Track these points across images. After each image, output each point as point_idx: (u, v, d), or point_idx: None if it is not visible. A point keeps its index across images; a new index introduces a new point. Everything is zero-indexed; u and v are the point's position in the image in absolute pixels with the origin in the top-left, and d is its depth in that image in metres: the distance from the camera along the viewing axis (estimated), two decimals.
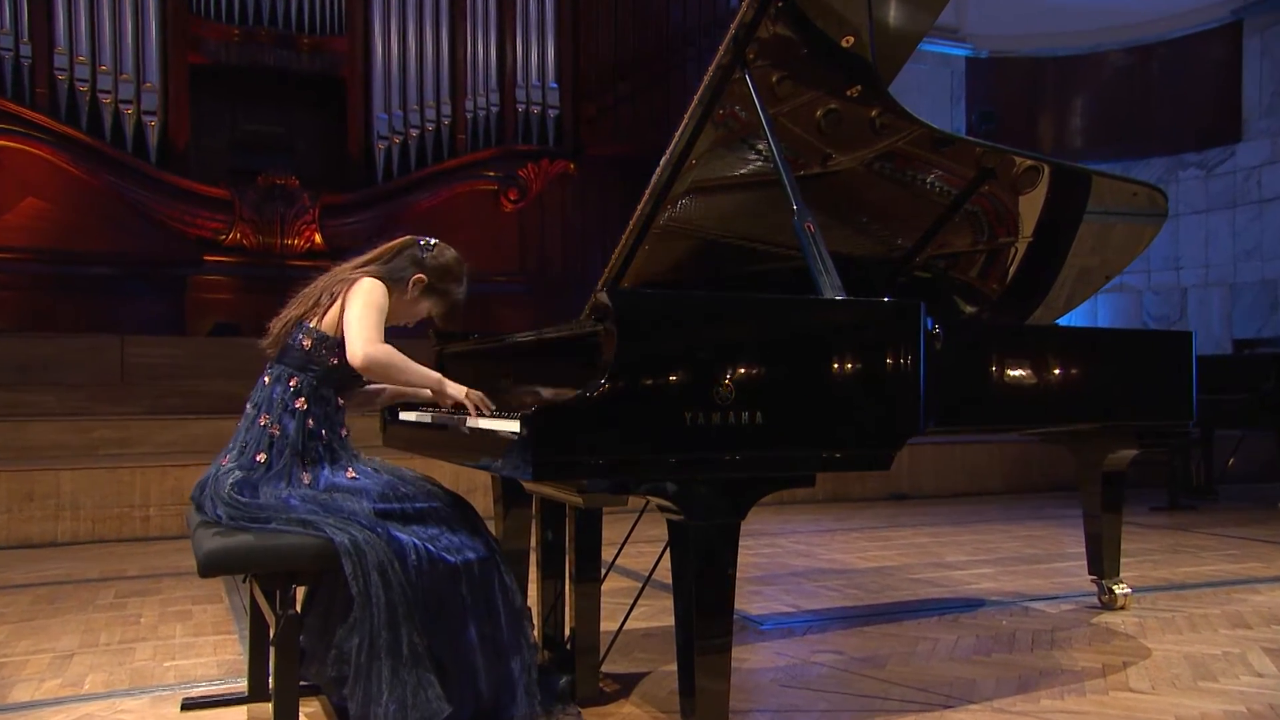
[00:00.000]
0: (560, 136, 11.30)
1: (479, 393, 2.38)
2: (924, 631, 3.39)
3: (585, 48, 11.44)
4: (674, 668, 2.13)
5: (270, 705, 2.14)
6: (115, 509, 5.50)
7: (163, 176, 9.71)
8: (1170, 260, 11.05)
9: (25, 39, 9.41)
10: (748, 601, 3.85)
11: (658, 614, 3.50)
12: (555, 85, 11.25)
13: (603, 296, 1.93)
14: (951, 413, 2.63)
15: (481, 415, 2.42)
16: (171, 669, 2.96)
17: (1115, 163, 11.27)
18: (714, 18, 10.67)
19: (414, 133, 10.69)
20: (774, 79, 2.65)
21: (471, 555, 2.22)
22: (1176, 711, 2.54)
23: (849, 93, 2.70)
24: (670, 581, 2.10)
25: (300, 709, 2.09)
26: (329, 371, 2.35)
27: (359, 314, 2.28)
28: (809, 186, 2.89)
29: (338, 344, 2.34)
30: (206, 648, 3.21)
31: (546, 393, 2.53)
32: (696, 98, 2.57)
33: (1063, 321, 3.83)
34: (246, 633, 2.70)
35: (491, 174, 10.96)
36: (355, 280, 2.37)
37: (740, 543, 2.10)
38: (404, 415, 3.00)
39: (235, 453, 2.30)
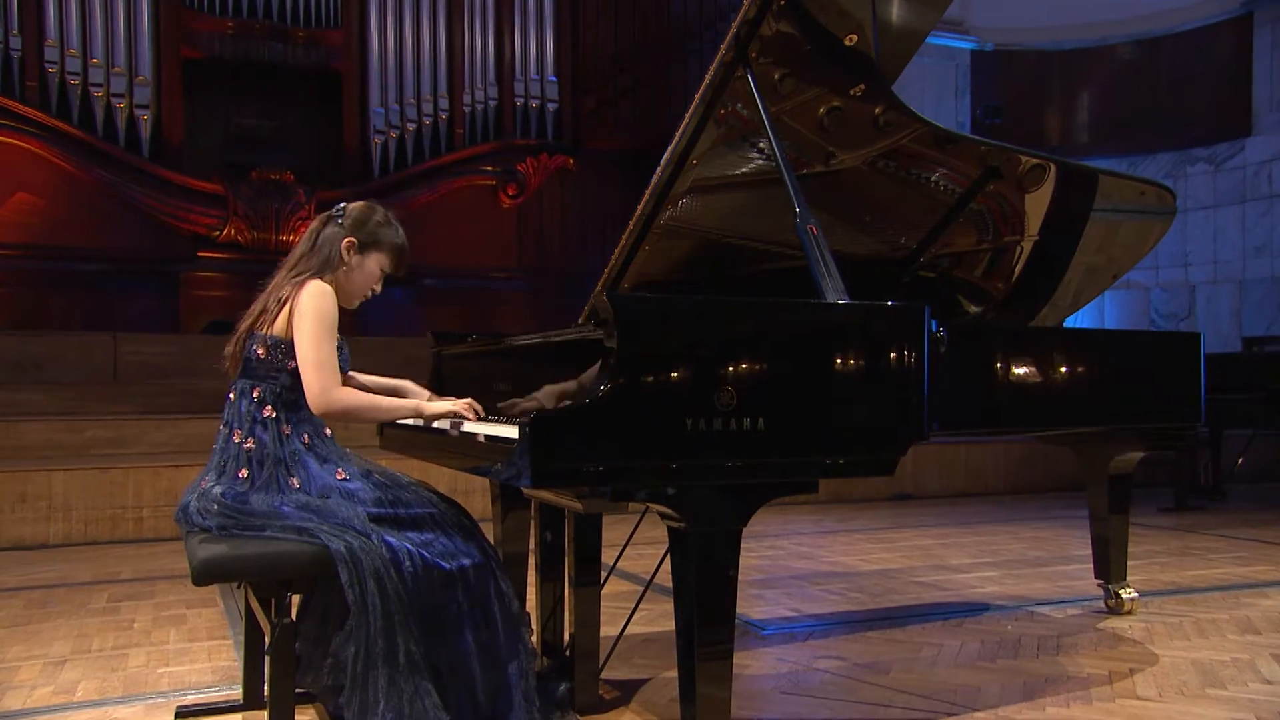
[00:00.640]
0: (559, 131, 11.29)
1: (467, 401, 2.37)
2: (928, 637, 3.39)
3: (584, 40, 11.43)
4: (675, 674, 2.13)
5: (265, 714, 2.14)
6: (108, 510, 5.50)
7: (156, 171, 9.70)
8: (1178, 257, 11.05)
9: (15, 31, 9.40)
10: (749, 605, 3.85)
11: (658, 618, 3.51)
12: (554, 78, 11.24)
13: (603, 300, 1.92)
14: (956, 416, 2.63)
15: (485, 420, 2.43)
16: (165, 676, 2.96)
17: (1122, 157, 11.27)
18: (716, 9, 10.68)
19: (411, 127, 10.68)
20: (776, 76, 2.64)
21: (466, 561, 2.22)
22: None
23: (852, 91, 2.70)
24: (671, 585, 2.10)
25: (296, 717, 2.09)
26: (291, 375, 2.32)
27: (311, 350, 2.24)
28: (812, 185, 2.89)
29: (293, 347, 2.31)
30: (201, 654, 3.21)
31: (546, 396, 2.52)
32: (698, 96, 2.56)
33: (1070, 321, 3.83)
34: (241, 638, 2.70)
35: (489, 169, 10.96)
36: (301, 285, 2.33)
37: (741, 545, 2.10)
38: (414, 418, 3.00)
39: (214, 473, 2.29)
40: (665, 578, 2.09)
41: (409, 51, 10.76)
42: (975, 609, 3.81)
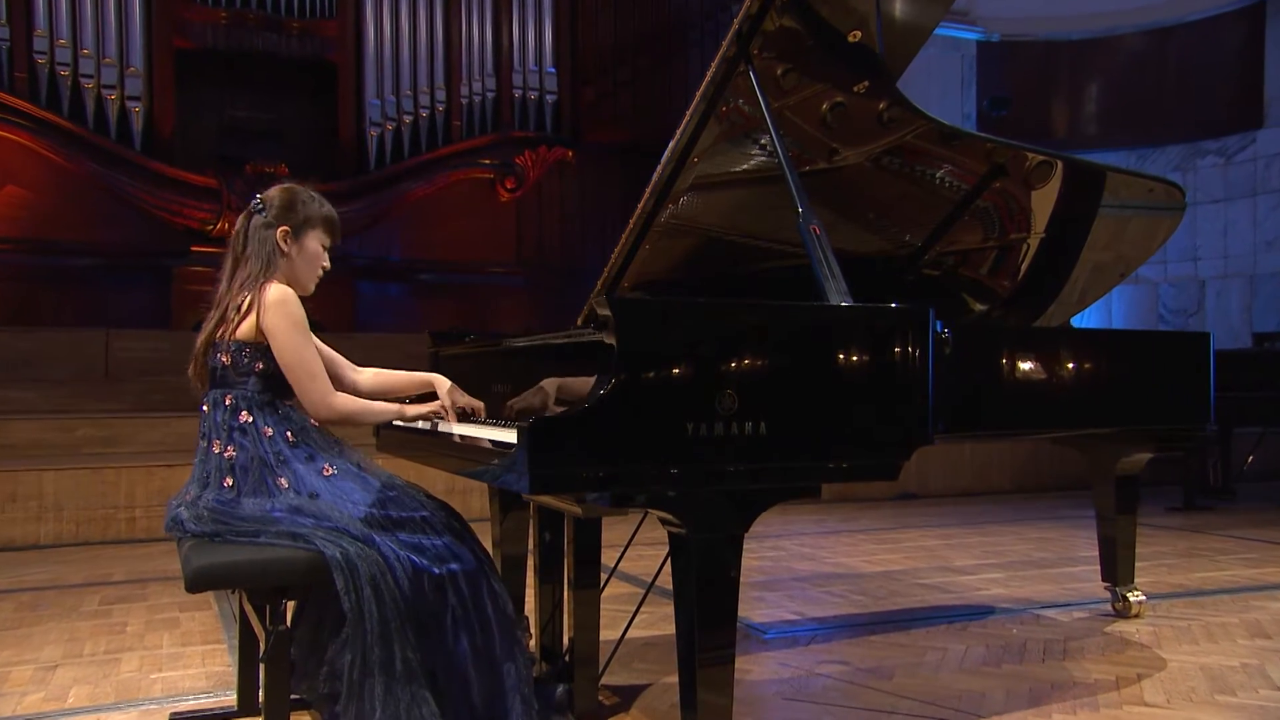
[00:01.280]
0: (558, 123, 11.28)
1: (463, 399, 2.38)
2: (932, 641, 3.39)
3: (584, 31, 11.42)
4: (676, 679, 2.14)
5: None
6: (100, 510, 5.51)
7: (148, 164, 9.69)
8: (1188, 251, 11.05)
9: (3, 21, 9.38)
10: (751, 608, 3.86)
11: (659, 621, 3.51)
12: (553, 70, 11.22)
13: (601, 305, 1.92)
14: (961, 419, 2.63)
15: (471, 422, 2.43)
16: (159, 681, 2.97)
17: (1131, 150, 11.27)
18: (717, 0, 10.65)
19: (407, 119, 10.67)
20: (779, 71, 2.64)
21: (456, 566, 2.22)
22: None
23: (856, 88, 2.69)
24: (672, 589, 2.11)
25: None
26: (260, 377, 2.31)
27: (299, 363, 2.27)
28: (815, 182, 2.89)
29: (258, 348, 2.30)
30: (195, 658, 3.22)
31: (549, 385, 2.53)
32: (700, 92, 2.56)
33: (1077, 318, 3.83)
34: (235, 642, 2.70)
35: (487, 162, 10.95)
36: (261, 290, 2.30)
37: (743, 546, 2.10)
38: (397, 420, 3.00)
39: (197, 485, 2.29)
40: (666, 580, 2.10)
41: (405, 42, 10.74)
42: (980, 612, 3.82)
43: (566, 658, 2.72)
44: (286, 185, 2.49)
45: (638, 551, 3.37)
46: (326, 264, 2.51)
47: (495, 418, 2.57)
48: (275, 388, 2.34)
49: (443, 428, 2.36)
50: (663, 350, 1.96)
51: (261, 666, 2.09)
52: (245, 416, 2.29)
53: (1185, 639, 3.40)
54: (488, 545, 2.45)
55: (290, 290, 2.34)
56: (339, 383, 2.52)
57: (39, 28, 9.46)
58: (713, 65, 2.52)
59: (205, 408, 2.35)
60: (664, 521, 2.07)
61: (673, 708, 2.64)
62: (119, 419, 6.74)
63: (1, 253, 9.26)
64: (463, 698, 2.19)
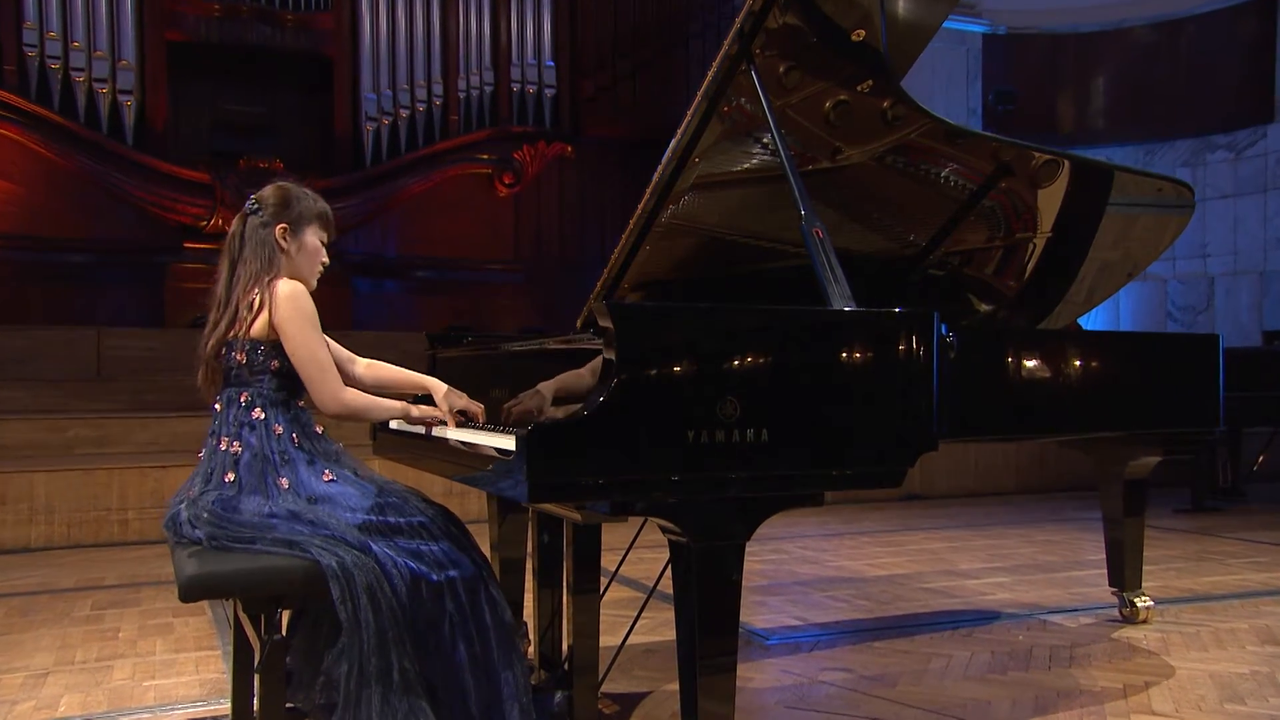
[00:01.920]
0: (557, 117, 11.27)
1: (461, 401, 2.41)
2: (937, 647, 3.40)
3: (583, 23, 11.41)
4: (677, 687, 2.14)
5: None
6: (92, 512, 5.51)
7: (140, 159, 9.68)
8: (1197, 247, 11.03)
9: None
10: (753, 613, 3.86)
11: (660, 627, 3.52)
12: (552, 63, 11.22)
13: (600, 311, 1.92)
14: (966, 424, 2.63)
15: (467, 426, 2.44)
16: (151, 689, 2.97)
17: (1139, 145, 11.26)
18: None
19: (404, 113, 10.67)
20: (782, 69, 2.64)
21: (455, 573, 2.22)
22: None
23: (860, 87, 2.70)
24: (673, 595, 2.11)
25: None
26: (275, 375, 2.33)
27: (309, 356, 2.28)
28: (818, 182, 2.89)
29: (273, 346, 2.32)
30: (188, 665, 3.22)
31: (547, 389, 2.53)
32: (701, 91, 2.56)
33: (1085, 317, 3.83)
34: (230, 648, 2.71)
35: (485, 157, 10.95)
36: (271, 286, 2.31)
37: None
38: (394, 423, 3.00)
39: (201, 481, 2.29)
40: (668, 584, 2.10)
41: (402, 35, 10.73)
42: (985, 617, 3.82)
43: (565, 665, 2.72)
44: (279, 184, 2.49)
45: (638, 555, 3.38)
46: (325, 259, 2.52)
47: (493, 422, 2.57)
48: (290, 386, 2.35)
49: (439, 432, 2.38)
50: (663, 356, 1.96)
51: (256, 676, 2.09)
52: (258, 413, 2.31)
53: (1194, 645, 3.40)
54: (485, 548, 2.46)
55: (301, 285, 2.35)
56: (341, 374, 2.53)
57: (28, 20, 9.45)
58: (714, 64, 2.52)
59: (218, 406, 2.36)
60: (664, 529, 2.08)
61: (674, 717, 2.64)
62: (111, 419, 6.73)
63: None
64: (460, 707, 2.19)
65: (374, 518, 2.21)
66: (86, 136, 9.53)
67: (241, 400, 2.32)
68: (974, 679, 3.05)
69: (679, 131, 2.60)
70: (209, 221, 9.83)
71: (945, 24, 3.09)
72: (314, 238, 2.46)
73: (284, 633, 2.16)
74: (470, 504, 5.70)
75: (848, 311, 2.23)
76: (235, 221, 2.45)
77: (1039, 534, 5.87)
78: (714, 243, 3.04)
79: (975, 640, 3.49)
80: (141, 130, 9.88)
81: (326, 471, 2.30)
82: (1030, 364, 2.79)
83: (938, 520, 6.45)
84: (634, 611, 2.91)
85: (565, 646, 2.74)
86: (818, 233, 2.37)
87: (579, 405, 1.98)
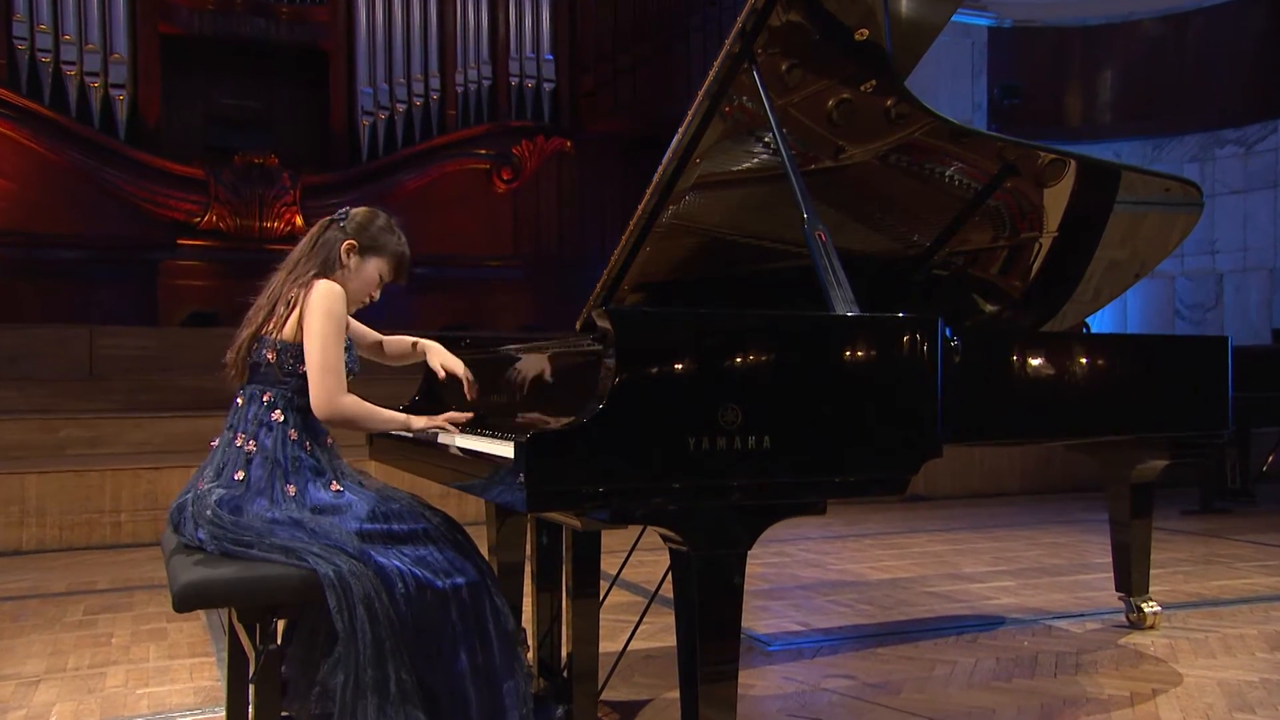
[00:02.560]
0: (556, 112, 11.28)
1: (454, 415, 2.44)
2: (941, 653, 3.40)
3: (583, 16, 11.40)
4: (678, 694, 2.14)
5: None
6: (84, 514, 5.51)
7: (132, 154, 9.70)
8: (1205, 244, 11.03)
9: None
10: (754, 618, 3.86)
11: (660, 632, 3.52)
12: (551, 57, 11.22)
13: (601, 316, 1.92)
14: (971, 428, 2.64)
15: (466, 433, 2.44)
16: (145, 697, 2.97)
17: (1147, 139, 11.25)
18: None
19: (401, 108, 10.67)
20: (784, 67, 2.64)
21: (460, 580, 2.22)
22: None
23: (863, 87, 2.69)
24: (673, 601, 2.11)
25: None
26: (301, 380, 2.35)
27: (319, 354, 2.28)
28: (821, 181, 2.89)
29: (303, 351, 2.34)
30: (182, 672, 3.22)
31: (541, 409, 2.52)
32: (703, 90, 2.56)
33: (1092, 316, 3.83)
34: (224, 655, 2.71)
35: (483, 152, 10.95)
36: (309, 285, 2.36)
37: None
38: (401, 430, 3.00)
39: (212, 473, 2.30)
40: (670, 588, 2.10)
41: (398, 28, 10.74)
42: (990, 623, 3.82)
43: (565, 673, 2.73)
44: (374, 208, 2.57)
45: (639, 558, 3.37)
46: (376, 295, 2.57)
47: (492, 428, 2.57)
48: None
49: (456, 441, 2.37)
50: (663, 362, 1.96)
51: (251, 687, 2.09)
52: (278, 415, 2.33)
53: (1202, 652, 3.40)
54: (483, 551, 2.46)
55: (339, 288, 2.37)
56: (364, 344, 2.71)
57: (18, 13, 9.46)
58: (716, 63, 2.52)
59: (239, 401, 2.38)
60: (665, 538, 2.08)
61: None
62: (104, 419, 6.74)
63: None
64: (462, 716, 2.19)
65: (378, 525, 2.21)
66: (78, 131, 9.54)
67: (264, 400, 2.35)
68: (979, 686, 3.05)
69: (680, 131, 2.60)
70: (203, 218, 9.85)
71: (951, 18, 3.09)
72: (376, 270, 2.52)
73: (279, 642, 2.16)
74: (468, 506, 5.70)
75: (850, 317, 2.23)
76: (319, 224, 2.52)
77: (1045, 536, 5.88)
78: (715, 243, 3.04)
79: (980, 646, 3.49)
80: (134, 125, 9.89)
81: (334, 482, 2.32)
82: (1035, 368, 2.79)
83: (942, 522, 6.45)
84: (634, 616, 2.91)
85: (565, 653, 2.74)
86: (820, 236, 2.37)
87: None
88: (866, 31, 2.58)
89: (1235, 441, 7.27)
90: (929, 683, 3.08)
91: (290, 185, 10.00)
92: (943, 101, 11.03)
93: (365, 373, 2.74)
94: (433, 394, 3.17)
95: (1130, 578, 3.67)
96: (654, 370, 1.95)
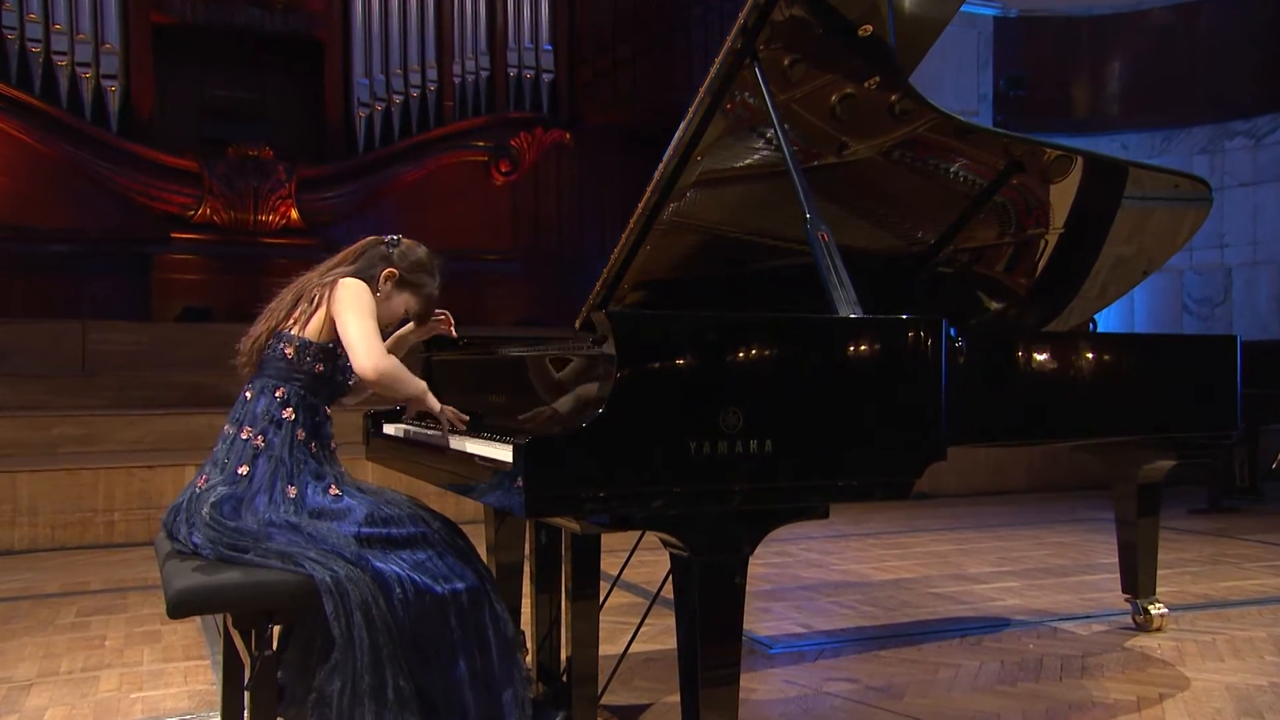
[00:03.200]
0: (555, 103, 11.25)
1: (452, 409, 2.46)
2: (945, 656, 3.41)
3: (582, 6, 11.38)
4: (678, 699, 2.15)
5: None
6: (77, 514, 5.52)
7: (125, 146, 9.67)
8: (1214, 237, 11.01)
9: None
10: (756, 620, 3.87)
11: (661, 634, 3.53)
12: (550, 47, 11.19)
13: (601, 318, 1.92)
14: (975, 430, 2.64)
15: (464, 436, 2.44)
16: (139, 701, 2.98)
17: (1155, 131, 11.23)
18: None
19: (397, 99, 10.65)
20: (786, 62, 2.64)
21: (460, 585, 2.23)
22: None
23: (867, 83, 2.69)
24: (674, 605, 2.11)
25: None
26: (316, 379, 2.38)
27: (357, 324, 2.31)
28: (824, 177, 2.89)
29: (322, 350, 2.38)
30: (176, 675, 3.23)
31: (541, 411, 2.53)
32: (705, 86, 2.56)
33: (1099, 314, 3.83)
34: (219, 657, 2.71)
35: (481, 144, 10.93)
36: (335, 283, 2.38)
37: None
38: (388, 429, 3.01)
39: (215, 469, 2.31)
40: (671, 588, 2.11)
41: (395, 18, 10.70)
42: (995, 625, 3.83)
43: (564, 677, 2.73)
44: (427, 249, 2.63)
45: (639, 557, 3.37)
46: (391, 327, 2.63)
47: (490, 429, 2.57)
48: (326, 393, 2.42)
49: (455, 443, 2.38)
50: (665, 365, 1.96)
51: (247, 694, 2.09)
52: (289, 413, 2.34)
53: (1210, 655, 3.41)
54: (481, 550, 2.46)
55: (367, 286, 2.40)
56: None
57: (8, 2, 9.42)
58: (718, 59, 2.51)
59: (248, 394, 2.39)
60: (666, 543, 2.08)
61: None
62: (97, 417, 6.74)
63: None
64: None
65: (376, 530, 2.22)
66: (69, 123, 9.52)
67: (277, 395, 2.36)
68: (983, 690, 3.05)
69: (681, 127, 2.60)
70: (197, 211, 9.83)
71: None
72: (402, 304, 2.57)
73: (275, 647, 2.16)
74: (466, 504, 5.69)
75: (853, 319, 2.23)
76: (367, 240, 2.56)
77: (1050, 535, 5.88)
78: (717, 240, 3.04)
79: (984, 649, 3.49)
80: (126, 116, 9.87)
81: (333, 485, 2.32)
82: (1040, 368, 2.79)
83: (946, 521, 6.46)
84: (635, 618, 2.91)
85: (564, 656, 2.75)
86: (823, 236, 2.37)
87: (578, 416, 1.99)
88: (870, 27, 2.58)
89: (1244, 439, 7.28)
90: (932, 686, 3.09)
91: (285, 178, 9.98)
92: (948, 92, 11.02)
93: None
94: (430, 390, 3.17)
95: (1137, 579, 3.68)
96: (654, 373, 1.95)
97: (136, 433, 6.65)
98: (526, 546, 2.98)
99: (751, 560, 2.09)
